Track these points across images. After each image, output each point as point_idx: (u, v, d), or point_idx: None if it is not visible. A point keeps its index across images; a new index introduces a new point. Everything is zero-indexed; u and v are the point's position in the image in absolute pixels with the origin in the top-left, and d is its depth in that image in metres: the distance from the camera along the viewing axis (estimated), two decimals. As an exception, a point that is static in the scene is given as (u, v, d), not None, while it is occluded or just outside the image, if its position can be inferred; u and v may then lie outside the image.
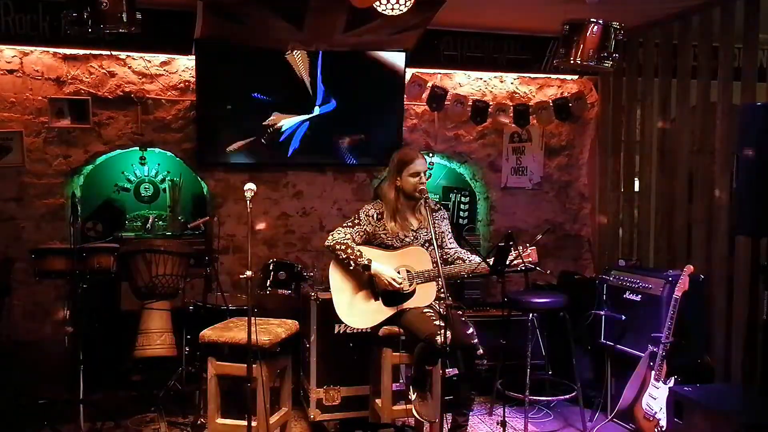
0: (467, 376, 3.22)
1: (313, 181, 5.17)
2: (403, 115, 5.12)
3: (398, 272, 3.40)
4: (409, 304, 3.39)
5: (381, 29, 4.29)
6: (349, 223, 3.53)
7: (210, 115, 4.71)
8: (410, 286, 3.40)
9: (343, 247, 3.40)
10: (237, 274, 4.93)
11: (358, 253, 3.39)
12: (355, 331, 3.98)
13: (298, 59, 4.78)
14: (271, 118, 4.80)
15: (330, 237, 3.49)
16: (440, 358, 2.98)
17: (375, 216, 3.52)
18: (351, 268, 3.40)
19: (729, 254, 4.10)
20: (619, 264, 4.44)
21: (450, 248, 3.58)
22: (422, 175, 3.42)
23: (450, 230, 3.64)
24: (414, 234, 3.51)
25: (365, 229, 3.50)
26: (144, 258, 4.05)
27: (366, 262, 3.35)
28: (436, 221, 3.55)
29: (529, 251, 3.40)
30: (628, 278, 4.17)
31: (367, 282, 3.43)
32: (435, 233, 3.27)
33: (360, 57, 4.86)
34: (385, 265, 3.39)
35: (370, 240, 3.53)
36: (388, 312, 3.40)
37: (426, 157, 5.30)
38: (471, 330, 3.31)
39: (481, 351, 3.29)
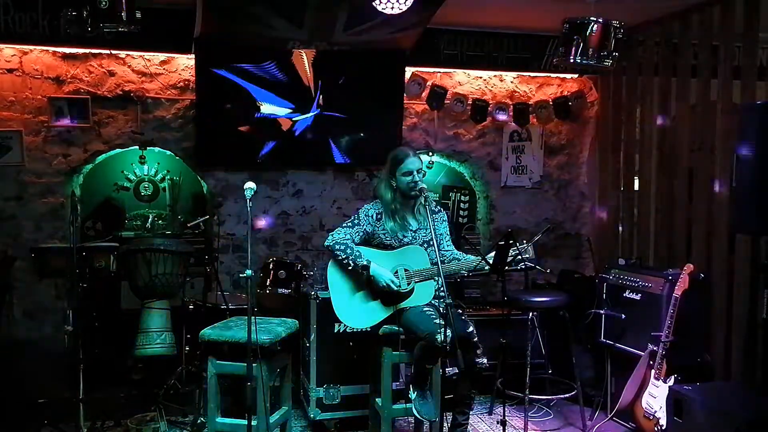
0: (467, 374, 3.22)
1: (313, 180, 5.17)
2: (402, 113, 5.11)
3: (396, 272, 3.39)
4: (407, 304, 3.39)
5: (381, 28, 4.29)
6: (349, 223, 3.53)
7: (209, 114, 4.71)
8: (408, 285, 3.40)
9: (342, 247, 3.40)
10: (237, 273, 4.94)
11: (357, 254, 3.39)
12: (355, 330, 3.97)
13: (297, 58, 4.78)
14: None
15: (329, 237, 3.49)
16: (440, 356, 2.98)
17: (374, 216, 3.52)
18: (350, 268, 3.40)
19: (729, 253, 4.10)
20: (619, 263, 4.44)
21: (446, 250, 3.57)
22: (415, 173, 3.41)
23: (448, 232, 3.64)
24: (413, 234, 3.51)
25: (365, 229, 3.50)
26: (144, 257, 4.05)
27: (365, 263, 3.36)
28: (435, 223, 3.55)
29: (527, 248, 3.40)
30: (628, 277, 4.17)
31: (365, 282, 3.43)
32: (434, 234, 3.27)
33: (360, 56, 4.85)
34: (383, 265, 3.39)
35: (369, 240, 3.53)
36: (386, 311, 3.41)
37: (425, 156, 5.35)
38: (471, 328, 3.31)
39: (481, 349, 3.29)
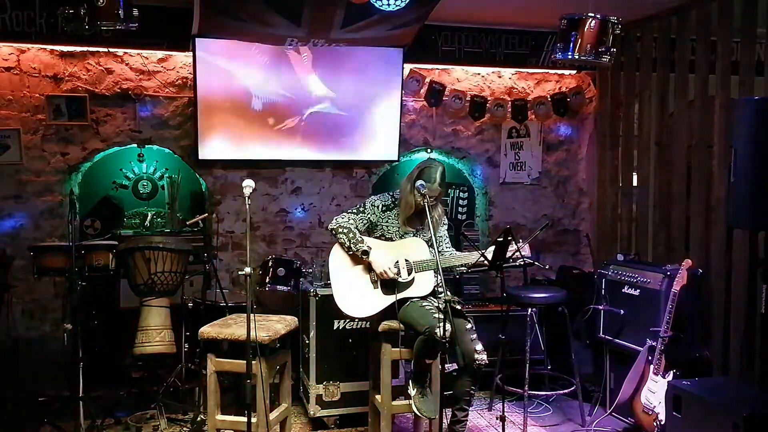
0: (467, 370, 3.23)
1: (311, 177, 5.17)
2: (401, 110, 5.11)
3: (397, 261, 3.40)
4: (407, 293, 3.40)
5: (379, 25, 4.28)
6: (354, 210, 3.55)
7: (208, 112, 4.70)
8: (409, 275, 3.41)
9: (345, 230, 3.43)
10: (236, 271, 4.94)
11: (359, 239, 3.41)
12: (354, 326, 3.98)
13: (295, 55, 4.77)
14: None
15: (334, 220, 3.52)
16: (440, 351, 2.99)
17: (381, 207, 3.54)
18: (350, 252, 3.42)
19: (727, 248, 4.10)
20: (618, 258, 4.44)
21: (446, 251, 3.60)
22: (427, 197, 3.32)
23: (447, 236, 3.68)
24: (414, 233, 3.53)
25: (369, 218, 3.53)
26: (143, 255, 4.05)
27: (366, 249, 3.38)
28: (438, 225, 3.58)
29: (524, 247, 3.41)
30: (626, 273, 4.18)
31: (366, 269, 3.45)
32: (435, 236, 3.28)
33: (358, 53, 4.84)
34: (383, 254, 3.40)
35: (371, 231, 3.56)
36: (386, 300, 3.40)
37: (424, 152, 5.36)
38: (470, 325, 3.32)
39: (480, 345, 3.30)
